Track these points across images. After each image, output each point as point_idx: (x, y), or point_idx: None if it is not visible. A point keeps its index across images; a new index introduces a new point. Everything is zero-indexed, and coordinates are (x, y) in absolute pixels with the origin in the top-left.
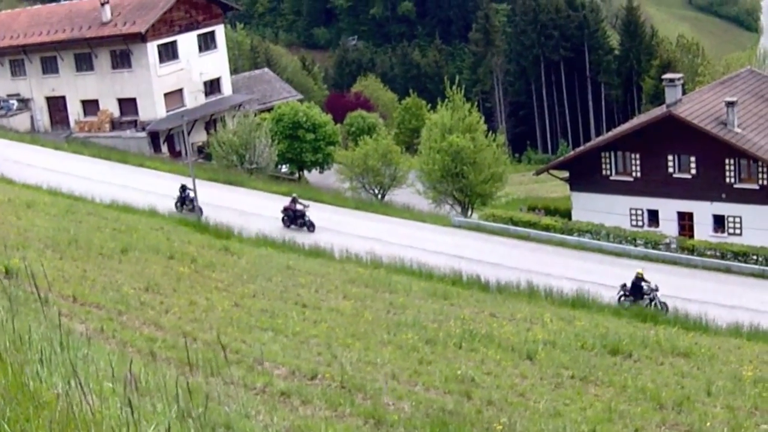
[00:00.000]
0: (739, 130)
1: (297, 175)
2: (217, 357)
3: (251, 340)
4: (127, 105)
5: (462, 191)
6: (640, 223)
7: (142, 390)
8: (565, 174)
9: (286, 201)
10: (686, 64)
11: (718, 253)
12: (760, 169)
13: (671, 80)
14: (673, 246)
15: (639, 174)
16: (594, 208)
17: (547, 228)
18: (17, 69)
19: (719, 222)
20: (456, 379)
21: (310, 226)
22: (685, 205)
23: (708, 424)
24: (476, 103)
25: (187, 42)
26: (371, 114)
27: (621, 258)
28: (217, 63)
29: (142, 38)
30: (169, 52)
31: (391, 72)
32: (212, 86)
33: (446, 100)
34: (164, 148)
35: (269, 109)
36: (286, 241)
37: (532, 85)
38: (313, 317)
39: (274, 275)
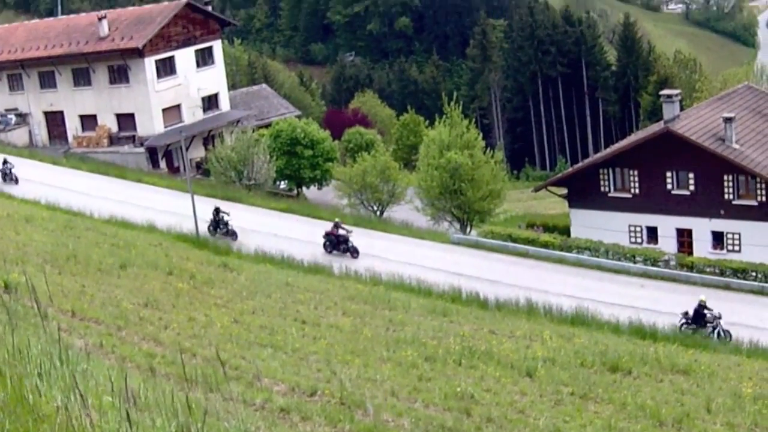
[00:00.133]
0: (737, 146)
1: (295, 191)
2: (216, 373)
3: (250, 357)
4: (125, 120)
5: (460, 208)
6: (638, 240)
7: (141, 405)
8: (564, 191)
9: (328, 226)
10: (684, 79)
11: (717, 270)
12: (758, 186)
13: (669, 96)
14: (672, 263)
15: (637, 191)
16: (593, 224)
17: (545, 245)
18: (15, 83)
19: (718, 238)
20: (455, 396)
21: (354, 252)
22: (684, 222)
23: None
24: (474, 120)
25: (184, 57)
26: (369, 130)
27: (620, 275)
28: (214, 78)
29: (139, 53)
30: (166, 68)
31: (389, 88)
32: (210, 102)
33: (444, 116)
34: (162, 164)
35: (267, 125)
36: (284, 258)
37: (530, 101)
38: (313, 334)
39: (274, 292)
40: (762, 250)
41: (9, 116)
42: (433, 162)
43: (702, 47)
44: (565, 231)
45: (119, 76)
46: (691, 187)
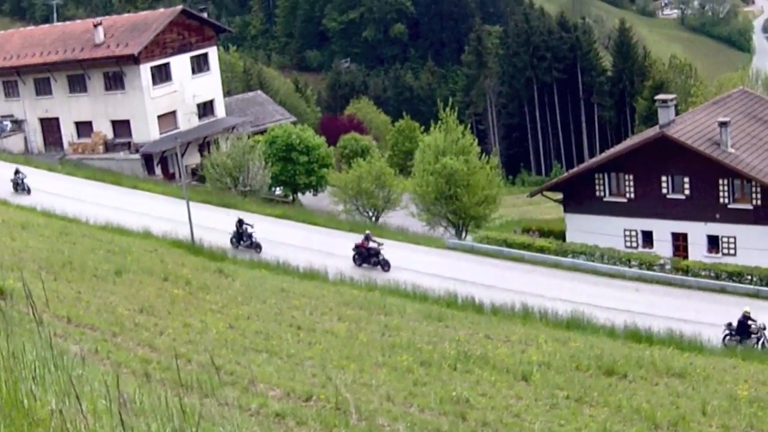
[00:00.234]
0: (732, 150)
1: (291, 197)
2: (211, 378)
3: (246, 362)
4: (121, 127)
5: (456, 213)
6: (634, 244)
7: (137, 410)
8: (559, 196)
9: (358, 238)
10: (679, 84)
11: (712, 274)
12: (753, 189)
13: (664, 101)
14: (668, 267)
15: (633, 195)
16: (588, 229)
17: (541, 250)
18: (11, 90)
19: (713, 242)
20: (451, 401)
21: (385, 265)
22: (679, 226)
23: None
24: (469, 126)
25: (180, 64)
26: (364, 136)
27: (615, 279)
28: (210, 85)
29: (135, 60)
30: (162, 74)
31: (384, 94)
32: (205, 108)
33: (439, 122)
34: (158, 170)
35: (262, 132)
36: (280, 264)
37: (525, 107)
38: (308, 339)
39: (269, 297)
40: (757, 254)
41: (4, 123)
42: (429, 167)
43: (697, 52)
44: (561, 236)
45: (115, 82)
46: (687, 192)
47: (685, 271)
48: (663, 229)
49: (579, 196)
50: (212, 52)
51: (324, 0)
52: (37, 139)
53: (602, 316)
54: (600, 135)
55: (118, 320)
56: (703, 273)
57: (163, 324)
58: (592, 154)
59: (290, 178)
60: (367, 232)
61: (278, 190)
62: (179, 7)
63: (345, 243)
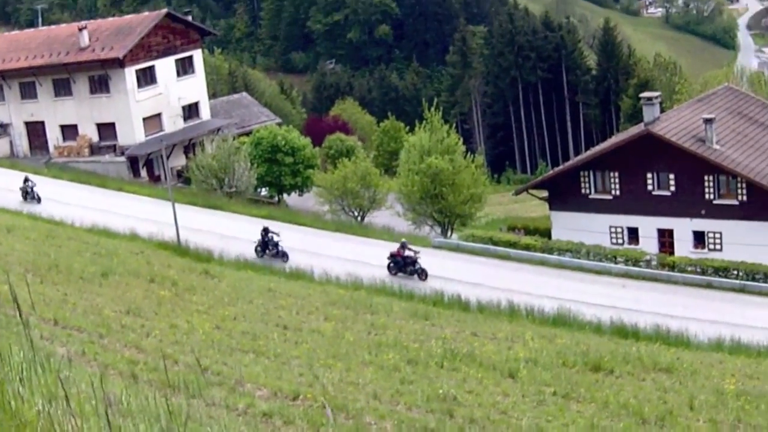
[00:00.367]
0: (717, 147)
1: (276, 198)
2: (198, 379)
3: (233, 362)
4: (106, 130)
5: (441, 212)
6: (620, 241)
7: (124, 411)
8: (545, 193)
9: (393, 246)
10: (664, 82)
11: (698, 269)
12: (738, 185)
13: (649, 99)
14: (654, 263)
15: (618, 192)
16: (574, 226)
17: (527, 247)
18: None
19: (699, 238)
20: (438, 398)
21: (422, 274)
22: (665, 222)
23: None
24: (454, 125)
25: (165, 67)
26: (350, 137)
27: (601, 276)
28: (195, 87)
29: (120, 63)
30: (147, 77)
31: (369, 95)
32: (191, 111)
33: (424, 122)
34: (143, 173)
35: (248, 133)
36: (266, 264)
37: (510, 107)
38: (295, 339)
39: (255, 298)
40: (743, 249)
41: None
42: (414, 167)
43: (682, 50)
44: (547, 233)
45: (100, 86)
46: (672, 188)
47: (672, 267)
48: (649, 226)
49: (564, 194)
50: (197, 55)
51: (309, 2)
52: (22, 143)
53: (589, 313)
54: (585, 133)
55: (104, 322)
56: (689, 269)
57: (150, 325)
58: (577, 153)
59: (276, 179)
60: (403, 240)
61: (264, 191)
62: (164, 11)
63: (330, 243)
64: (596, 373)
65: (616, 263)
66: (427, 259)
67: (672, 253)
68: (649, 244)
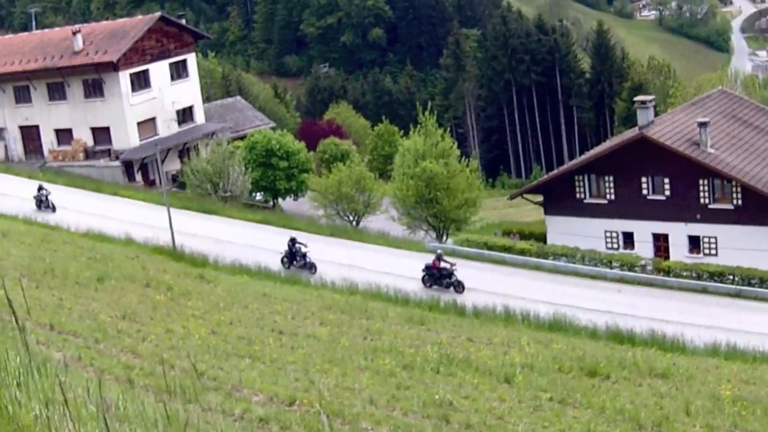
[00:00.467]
0: (712, 151)
1: (271, 202)
2: (194, 384)
3: (228, 367)
4: (101, 134)
5: (436, 217)
6: (615, 246)
7: (121, 416)
8: (540, 198)
9: (429, 258)
10: (658, 85)
11: (694, 274)
12: (733, 189)
13: (643, 102)
14: (649, 268)
15: (613, 196)
16: (569, 231)
17: (522, 252)
18: None
19: (694, 243)
20: (434, 404)
21: (458, 286)
22: (660, 227)
23: None
24: (449, 129)
25: (159, 71)
26: (344, 141)
27: (597, 281)
28: (189, 91)
29: (114, 67)
30: (141, 81)
31: (363, 99)
32: (185, 115)
33: (419, 126)
34: (138, 177)
35: (242, 137)
36: (261, 269)
37: (504, 110)
38: (290, 344)
39: (251, 303)
40: (738, 254)
41: None
42: (409, 171)
43: (676, 53)
44: (542, 238)
45: (94, 90)
46: (667, 192)
47: (667, 272)
48: (644, 230)
49: (559, 199)
50: (191, 59)
51: (302, 5)
52: (17, 147)
53: (584, 318)
54: (579, 137)
55: (100, 327)
56: (684, 273)
57: (146, 330)
58: (571, 156)
59: (270, 184)
60: (439, 251)
61: (258, 196)
62: (157, 14)
63: (325, 248)
64: (592, 379)
65: (611, 268)
66: (422, 264)
67: (667, 257)
68: (644, 248)
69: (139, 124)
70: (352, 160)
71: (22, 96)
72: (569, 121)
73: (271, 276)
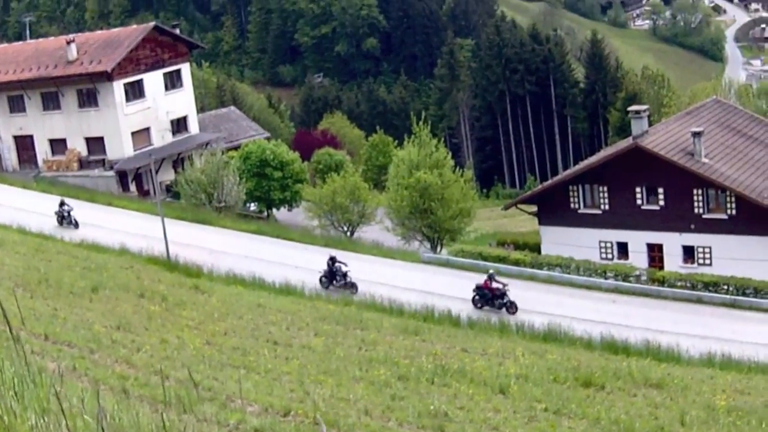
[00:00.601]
0: (706, 161)
1: (265, 213)
2: (189, 394)
3: (223, 378)
4: (95, 144)
5: (431, 227)
6: (609, 256)
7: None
8: (534, 208)
9: (480, 278)
10: (652, 95)
11: (688, 284)
12: (728, 199)
13: (637, 112)
14: (643, 278)
15: (607, 206)
16: (563, 241)
17: (516, 262)
18: None
19: (689, 253)
20: (429, 414)
21: (511, 307)
22: (655, 237)
23: None
24: (443, 139)
25: (153, 80)
26: (338, 151)
27: (591, 291)
28: (183, 101)
29: (108, 77)
30: (135, 91)
31: (358, 109)
32: (179, 125)
33: (413, 136)
34: (132, 187)
35: (236, 148)
36: (256, 279)
37: (499, 120)
38: (285, 354)
39: (245, 313)
40: (733, 264)
41: None
42: (403, 182)
43: (670, 63)
44: (536, 248)
45: (88, 99)
46: (661, 202)
47: (661, 282)
48: (638, 240)
49: (554, 209)
50: (185, 69)
51: (296, 15)
52: (11, 157)
53: (579, 328)
54: (574, 147)
55: (95, 337)
56: (679, 283)
57: (140, 340)
58: (566, 166)
59: (265, 194)
60: (491, 271)
61: (253, 206)
62: (152, 24)
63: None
64: (587, 389)
65: (605, 278)
66: (416, 274)
67: (661, 267)
68: (638, 258)
69: (133, 134)
70: (347, 171)
71: (17, 105)
72: (563, 131)
73: (266, 287)
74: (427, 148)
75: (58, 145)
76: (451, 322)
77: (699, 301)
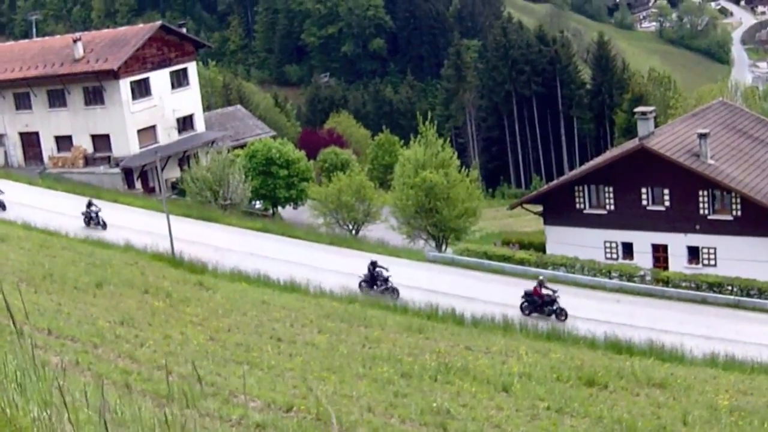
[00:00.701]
0: (712, 162)
1: (271, 211)
2: (192, 389)
3: (226, 374)
4: (101, 141)
5: (436, 226)
6: (614, 256)
7: (119, 420)
8: (539, 208)
9: (529, 285)
10: (658, 97)
11: (693, 285)
12: (733, 200)
13: (643, 113)
14: (648, 278)
15: (613, 207)
16: (568, 241)
17: (521, 262)
18: None
19: (694, 253)
20: (432, 412)
21: (560, 314)
22: (660, 237)
23: None
24: (449, 139)
25: (159, 79)
26: (344, 150)
27: (596, 291)
28: (189, 100)
29: (114, 75)
30: (141, 89)
31: (364, 109)
32: (185, 123)
33: (419, 136)
34: (138, 184)
35: (242, 146)
36: (260, 276)
37: (505, 121)
38: (288, 351)
39: (249, 310)
40: (737, 264)
41: None
42: (409, 181)
43: (676, 65)
44: (541, 248)
45: (94, 97)
46: (667, 203)
47: (666, 282)
48: (643, 241)
49: (559, 209)
50: (191, 67)
51: (303, 15)
52: (17, 153)
53: (583, 327)
54: (579, 148)
55: (98, 332)
56: (683, 284)
57: (144, 336)
58: (571, 167)
59: (270, 192)
60: (541, 277)
61: (258, 204)
62: (158, 23)
63: (324, 256)
64: (590, 388)
65: (610, 278)
66: (421, 273)
67: (666, 268)
68: (643, 259)
69: (139, 131)
70: (352, 170)
71: (23, 102)
72: (569, 132)
73: (270, 284)
74: (433, 148)
75: (63, 142)
76: (455, 321)
77: (703, 301)
